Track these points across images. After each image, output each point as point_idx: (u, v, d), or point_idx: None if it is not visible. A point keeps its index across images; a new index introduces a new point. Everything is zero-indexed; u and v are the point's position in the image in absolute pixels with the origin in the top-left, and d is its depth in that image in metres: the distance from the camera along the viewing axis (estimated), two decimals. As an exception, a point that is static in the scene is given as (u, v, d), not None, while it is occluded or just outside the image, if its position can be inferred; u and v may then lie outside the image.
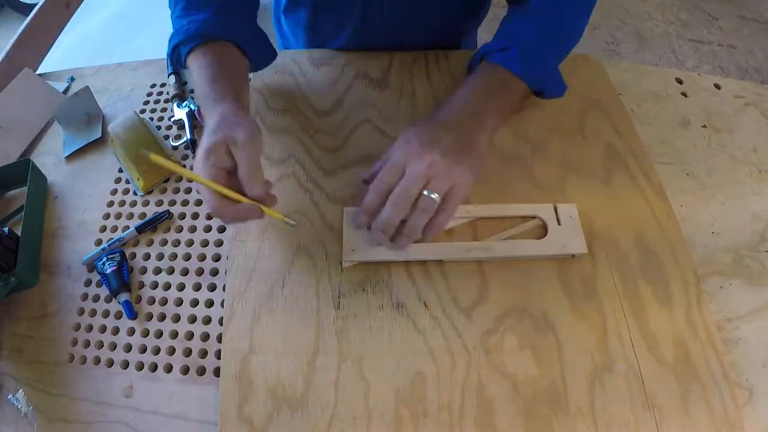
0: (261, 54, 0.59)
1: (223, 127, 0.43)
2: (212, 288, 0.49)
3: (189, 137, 0.59)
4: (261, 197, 0.43)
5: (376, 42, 0.67)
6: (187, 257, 0.51)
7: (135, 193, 0.57)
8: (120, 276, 0.49)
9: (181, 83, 0.66)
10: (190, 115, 0.61)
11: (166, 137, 0.61)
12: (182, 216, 0.54)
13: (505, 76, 0.51)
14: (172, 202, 0.56)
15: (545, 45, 0.54)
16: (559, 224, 0.48)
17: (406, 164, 0.44)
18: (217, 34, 0.51)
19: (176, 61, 0.54)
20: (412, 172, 0.43)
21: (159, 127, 0.63)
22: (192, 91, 0.66)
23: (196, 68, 0.50)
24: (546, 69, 0.54)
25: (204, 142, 0.43)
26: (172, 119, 0.62)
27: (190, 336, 0.47)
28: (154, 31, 1.99)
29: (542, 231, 0.49)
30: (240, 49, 0.54)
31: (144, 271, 0.51)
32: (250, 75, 0.66)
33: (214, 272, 0.50)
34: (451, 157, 0.44)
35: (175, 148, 0.60)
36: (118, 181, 0.58)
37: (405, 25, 0.66)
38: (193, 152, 0.59)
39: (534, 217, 0.49)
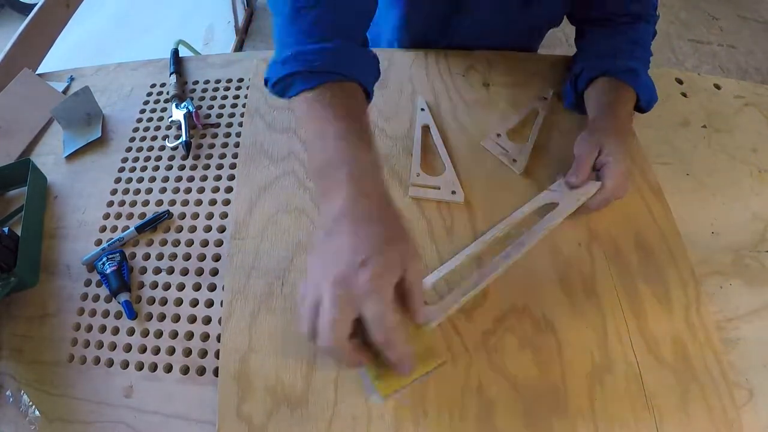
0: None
1: (394, 239, 0.33)
2: (212, 288, 0.49)
3: (185, 139, 0.59)
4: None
5: (460, 42, 0.67)
6: (187, 257, 0.51)
7: (135, 200, 0.57)
8: (120, 276, 0.49)
9: (181, 84, 0.66)
10: (188, 116, 0.61)
11: (165, 137, 0.61)
12: (182, 216, 0.54)
13: (630, 93, 0.54)
14: (172, 202, 0.56)
15: (647, 64, 0.58)
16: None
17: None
18: (349, 74, 0.40)
19: (280, 90, 0.42)
20: None
21: (158, 128, 0.63)
22: (192, 92, 0.66)
23: (320, 108, 0.38)
24: (653, 89, 0.56)
25: (382, 250, 0.31)
26: (171, 119, 0.62)
27: (190, 336, 0.47)
28: (155, 32, 1.99)
29: (551, 206, 0.49)
30: (365, 92, 0.42)
31: (144, 271, 0.51)
32: (250, 74, 0.66)
33: (214, 272, 0.50)
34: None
35: (174, 149, 0.60)
36: (118, 181, 0.58)
37: (490, 31, 0.66)
38: (188, 153, 0.59)
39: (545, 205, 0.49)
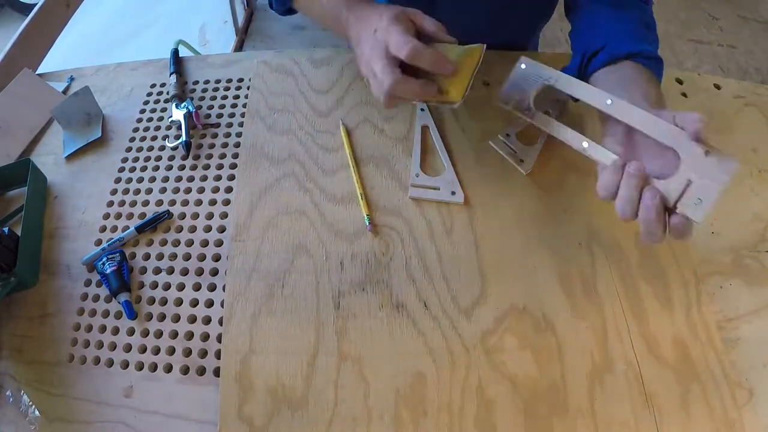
0: None
1: (390, 6, 0.43)
2: (212, 288, 0.49)
3: (185, 139, 0.59)
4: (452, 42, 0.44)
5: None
6: (187, 257, 0.51)
7: (135, 200, 0.57)
8: (120, 276, 0.49)
9: (181, 83, 0.66)
10: (188, 116, 0.61)
11: (165, 137, 0.61)
12: (182, 216, 0.54)
13: (655, 80, 0.48)
14: (172, 202, 0.56)
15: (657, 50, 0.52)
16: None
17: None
18: None
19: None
20: None
21: (158, 128, 0.63)
22: (192, 92, 0.66)
23: None
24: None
25: (384, 13, 0.42)
26: (171, 119, 0.62)
27: (190, 336, 0.47)
28: (154, 31, 1.99)
29: None
30: None
31: (144, 271, 0.51)
32: (250, 75, 0.66)
33: (214, 272, 0.50)
34: None
35: (174, 149, 0.60)
36: (118, 181, 0.58)
37: (478, 25, 0.65)
38: (188, 153, 0.59)
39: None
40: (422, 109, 0.59)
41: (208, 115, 0.63)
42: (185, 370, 0.45)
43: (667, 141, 0.39)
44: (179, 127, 0.61)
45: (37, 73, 0.71)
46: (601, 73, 0.49)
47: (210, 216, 0.54)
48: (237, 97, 0.65)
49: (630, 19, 0.52)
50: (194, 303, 0.49)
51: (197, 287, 0.49)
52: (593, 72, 0.50)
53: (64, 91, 0.68)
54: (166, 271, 0.51)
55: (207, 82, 0.67)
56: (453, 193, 0.52)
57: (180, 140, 0.59)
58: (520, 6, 0.63)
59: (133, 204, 0.56)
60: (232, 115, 0.63)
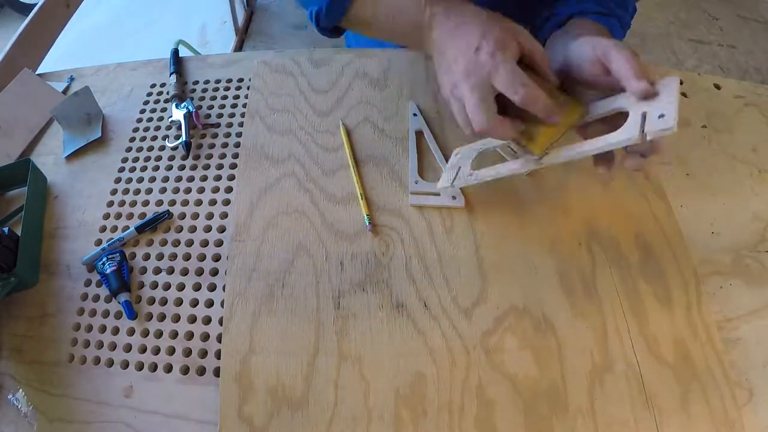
0: None
1: (494, 23, 0.36)
2: (212, 288, 0.49)
3: (185, 139, 0.59)
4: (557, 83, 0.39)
5: None
6: (187, 257, 0.51)
7: (135, 200, 0.57)
8: (120, 276, 0.49)
9: (181, 83, 0.66)
10: (188, 116, 0.61)
11: (165, 137, 0.61)
12: (182, 216, 0.54)
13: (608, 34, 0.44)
14: (172, 202, 0.56)
15: (628, 17, 0.49)
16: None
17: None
18: None
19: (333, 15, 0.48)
20: None
21: (158, 128, 0.63)
22: (192, 92, 0.66)
23: None
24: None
25: (489, 29, 0.35)
26: (171, 119, 0.62)
27: (190, 336, 0.47)
28: (154, 31, 1.99)
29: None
30: None
31: (144, 271, 0.51)
32: (250, 75, 0.66)
33: (214, 272, 0.50)
34: None
35: (174, 149, 0.60)
36: (118, 181, 0.58)
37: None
38: (188, 153, 0.59)
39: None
40: (415, 114, 0.59)
41: (208, 115, 0.63)
42: (185, 370, 0.45)
43: (616, 109, 0.38)
44: (179, 127, 0.61)
45: (37, 73, 0.71)
46: (550, 39, 0.46)
47: (210, 216, 0.54)
48: (237, 97, 0.65)
49: None
50: (194, 303, 0.49)
51: (197, 287, 0.49)
52: (545, 39, 0.47)
53: (64, 91, 0.68)
54: (166, 271, 0.51)
55: (207, 82, 0.67)
56: (453, 197, 0.52)
57: (180, 140, 0.59)
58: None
59: (133, 204, 0.56)
60: (232, 115, 0.63)
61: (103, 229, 0.54)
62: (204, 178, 0.57)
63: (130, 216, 0.55)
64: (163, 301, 0.49)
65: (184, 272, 0.51)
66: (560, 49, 0.42)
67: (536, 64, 0.37)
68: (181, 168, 0.58)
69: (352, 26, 0.54)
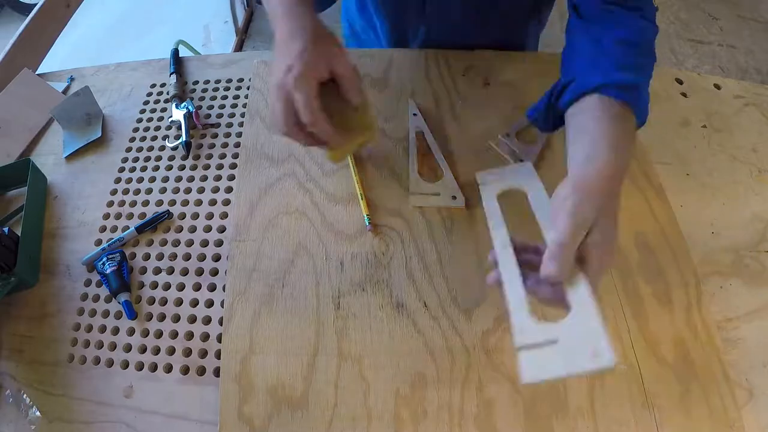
0: None
1: (315, 46, 0.41)
2: (212, 288, 0.49)
3: (185, 139, 0.59)
4: (363, 102, 0.43)
5: (444, 42, 0.67)
6: (187, 257, 0.51)
7: (135, 200, 0.57)
8: (120, 276, 0.49)
9: (181, 84, 0.66)
10: (188, 116, 0.61)
11: (165, 137, 0.61)
12: (182, 216, 0.54)
13: (628, 115, 0.40)
14: (172, 202, 0.56)
15: (648, 72, 0.43)
16: None
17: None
18: None
19: None
20: None
21: (158, 128, 0.63)
22: (192, 92, 0.66)
23: None
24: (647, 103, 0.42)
25: (305, 53, 0.40)
26: (171, 119, 0.62)
27: (190, 336, 0.47)
28: (155, 32, 1.99)
29: None
30: None
31: (144, 271, 0.51)
32: (250, 75, 0.66)
33: (214, 272, 0.50)
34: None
35: (174, 149, 0.60)
36: (118, 181, 0.58)
37: (466, 24, 0.65)
38: (188, 153, 0.59)
39: None
40: (414, 114, 0.59)
41: (208, 115, 0.63)
42: (185, 370, 0.45)
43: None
44: (179, 127, 0.61)
45: (37, 73, 0.71)
46: (568, 113, 0.43)
47: (210, 216, 0.54)
48: (237, 97, 0.65)
49: (614, 38, 0.43)
50: (194, 303, 0.49)
51: (197, 287, 0.49)
52: (565, 110, 0.44)
53: (64, 91, 0.68)
54: (166, 271, 0.51)
55: (207, 82, 0.67)
56: (454, 197, 0.52)
57: (180, 140, 0.59)
58: (500, 5, 0.63)
59: (133, 204, 0.56)
60: (232, 115, 0.63)
61: (103, 229, 0.54)
62: (204, 178, 0.57)
63: (130, 216, 0.55)
64: (163, 301, 0.49)
65: (184, 272, 0.51)
66: (570, 136, 0.41)
67: (342, 89, 0.42)
68: (181, 168, 0.58)
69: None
